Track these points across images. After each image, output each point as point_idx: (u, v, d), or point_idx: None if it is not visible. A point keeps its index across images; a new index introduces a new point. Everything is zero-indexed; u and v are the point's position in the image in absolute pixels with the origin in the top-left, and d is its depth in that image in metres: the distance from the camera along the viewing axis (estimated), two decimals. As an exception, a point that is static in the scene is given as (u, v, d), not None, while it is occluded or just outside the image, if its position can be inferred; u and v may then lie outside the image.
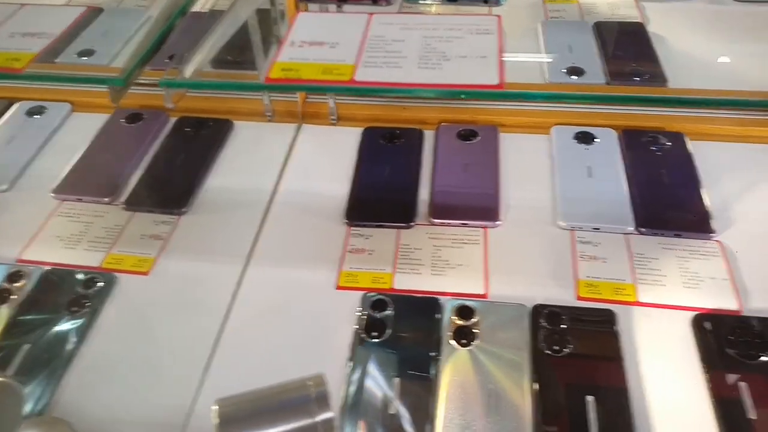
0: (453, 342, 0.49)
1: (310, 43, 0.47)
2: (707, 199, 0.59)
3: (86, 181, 0.66)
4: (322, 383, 0.36)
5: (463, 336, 0.49)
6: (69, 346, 0.51)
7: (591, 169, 0.63)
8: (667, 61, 0.73)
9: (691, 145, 0.65)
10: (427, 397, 0.46)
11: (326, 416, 0.35)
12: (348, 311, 0.52)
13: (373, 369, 0.48)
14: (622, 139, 0.66)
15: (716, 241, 0.56)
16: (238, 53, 0.67)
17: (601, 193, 0.61)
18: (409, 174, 0.64)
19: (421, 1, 0.78)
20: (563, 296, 0.52)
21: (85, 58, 0.81)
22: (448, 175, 0.64)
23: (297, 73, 0.43)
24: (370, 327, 0.51)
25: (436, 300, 0.52)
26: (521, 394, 0.46)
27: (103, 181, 0.66)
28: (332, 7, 0.69)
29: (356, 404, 0.46)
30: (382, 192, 0.63)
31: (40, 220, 0.62)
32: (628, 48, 0.78)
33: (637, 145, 0.65)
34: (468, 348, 0.49)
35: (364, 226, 0.60)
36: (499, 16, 0.47)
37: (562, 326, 0.49)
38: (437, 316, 0.51)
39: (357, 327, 0.51)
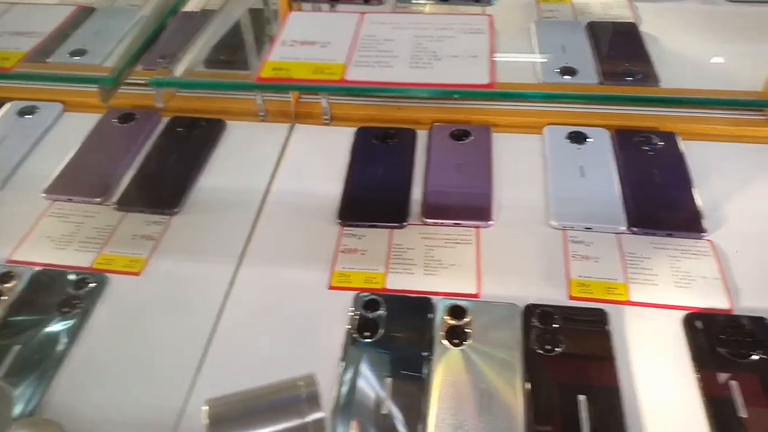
0: (445, 342, 0.49)
1: (301, 43, 0.47)
2: (699, 198, 0.59)
3: (78, 181, 0.66)
4: (312, 383, 0.36)
5: (456, 336, 0.49)
6: (60, 347, 0.51)
7: (583, 169, 0.63)
8: (659, 61, 0.74)
9: (684, 145, 0.65)
10: (420, 397, 0.46)
11: (317, 416, 0.35)
12: (340, 311, 0.52)
13: (365, 369, 0.48)
14: (614, 139, 0.66)
15: (707, 240, 0.56)
16: (229, 53, 0.66)
17: (593, 192, 0.61)
18: (401, 174, 0.64)
19: (414, 1, 0.78)
20: (555, 296, 0.53)
21: (78, 57, 0.81)
22: (440, 175, 0.64)
23: (288, 72, 0.43)
24: (362, 327, 0.50)
25: (428, 300, 0.52)
26: (513, 394, 0.46)
27: (95, 181, 0.65)
28: (325, 6, 0.69)
29: (348, 404, 0.46)
30: (375, 192, 0.63)
31: (31, 220, 0.62)
32: (620, 48, 0.78)
33: (629, 144, 0.65)
34: (460, 348, 0.49)
35: (357, 226, 0.60)
36: (490, 16, 0.47)
37: (554, 326, 0.49)
38: (429, 315, 0.51)
39: (349, 327, 0.51)
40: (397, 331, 0.50)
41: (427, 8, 0.77)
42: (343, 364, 0.48)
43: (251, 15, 0.66)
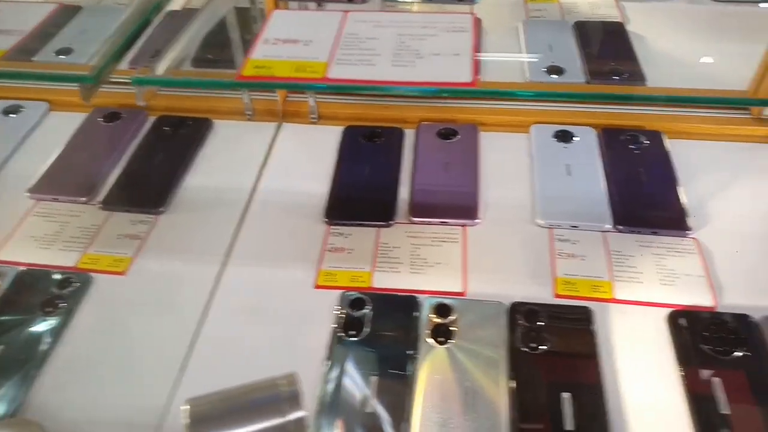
0: (430, 340, 0.49)
1: (284, 41, 0.46)
2: (684, 196, 0.60)
3: (63, 181, 0.65)
4: (293, 382, 0.36)
5: (441, 334, 0.49)
6: (43, 347, 0.50)
7: (570, 168, 0.63)
8: (645, 61, 0.74)
9: (669, 144, 0.66)
10: (405, 395, 0.46)
11: (297, 415, 0.35)
12: (326, 310, 0.52)
13: (350, 367, 0.48)
14: (601, 137, 0.66)
15: (692, 238, 0.56)
16: (214, 51, 0.66)
17: (579, 191, 0.61)
18: (388, 173, 0.64)
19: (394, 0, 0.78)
20: (541, 294, 0.53)
21: (63, 56, 0.80)
22: (427, 174, 0.64)
23: (270, 70, 0.43)
24: (348, 326, 0.50)
25: (413, 298, 0.52)
26: (498, 392, 0.46)
27: (80, 181, 0.65)
28: (312, 5, 0.69)
29: (333, 403, 0.46)
30: (362, 191, 0.63)
31: (14, 220, 0.61)
32: (607, 47, 0.78)
33: (615, 143, 0.65)
34: (445, 346, 0.49)
35: (344, 224, 0.60)
36: (473, 15, 0.47)
37: (539, 324, 0.49)
38: (415, 314, 0.51)
39: (335, 326, 0.51)
40: (383, 330, 0.50)
41: (412, 7, 0.77)
42: (329, 362, 0.48)
43: (237, 13, 0.66)
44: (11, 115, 0.75)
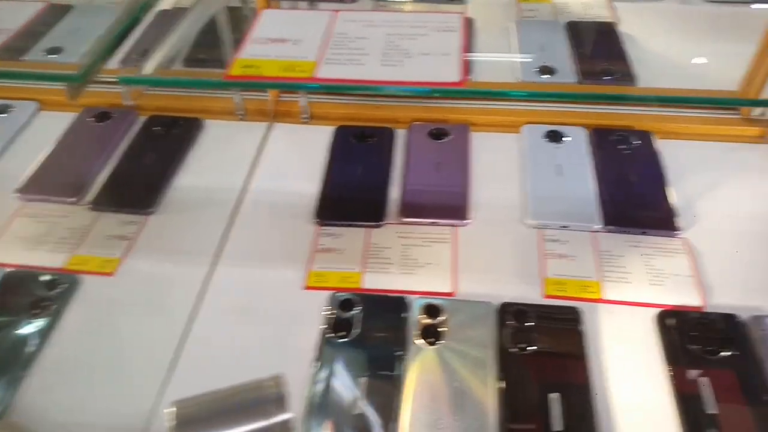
0: (420, 340, 0.49)
1: (273, 40, 0.46)
2: (673, 197, 0.60)
3: (52, 181, 0.65)
4: (279, 384, 0.36)
5: (430, 334, 0.49)
6: (30, 349, 0.50)
7: (561, 168, 0.63)
8: (637, 61, 0.74)
9: (660, 144, 0.66)
10: (394, 396, 0.46)
11: (284, 417, 0.35)
12: (316, 311, 0.52)
13: (339, 368, 0.48)
14: (591, 137, 0.67)
15: (681, 238, 0.56)
16: (203, 50, 0.66)
17: (569, 191, 0.61)
18: (379, 173, 0.64)
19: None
20: (531, 294, 0.53)
21: (53, 55, 0.80)
22: (418, 174, 0.63)
23: (258, 69, 0.43)
24: (337, 326, 0.50)
25: (403, 299, 0.52)
26: (487, 392, 0.46)
27: (69, 181, 0.65)
28: (303, 4, 0.69)
29: (322, 404, 0.46)
30: (353, 191, 0.63)
31: (2, 220, 0.61)
32: (599, 47, 0.78)
33: (606, 143, 0.66)
34: (435, 346, 0.49)
35: (334, 225, 0.59)
36: (462, 14, 0.47)
37: (527, 324, 0.49)
38: (404, 314, 0.51)
39: (324, 327, 0.50)
40: (372, 331, 0.50)
41: (404, 6, 0.77)
42: (318, 363, 0.48)
43: (228, 13, 0.66)
44: (1, 115, 0.74)
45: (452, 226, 0.59)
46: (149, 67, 0.45)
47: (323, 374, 0.47)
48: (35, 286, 0.54)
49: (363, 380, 0.47)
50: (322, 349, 0.49)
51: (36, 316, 0.52)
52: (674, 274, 0.53)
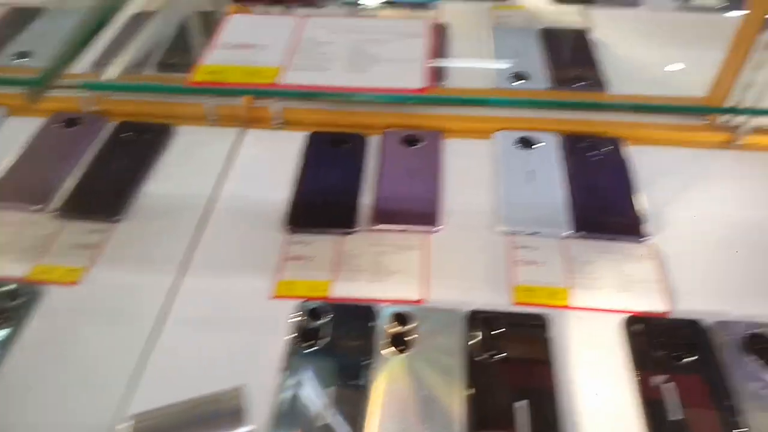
0: (388, 349, 0.49)
1: (239, 46, 0.46)
2: (642, 202, 0.60)
3: (16, 188, 0.63)
4: (239, 396, 0.35)
5: (399, 343, 0.49)
6: (-10, 362, 0.49)
7: (533, 174, 0.64)
8: (608, 67, 0.75)
9: (630, 150, 0.66)
10: (361, 406, 0.45)
11: (243, 430, 0.34)
12: (284, 320, 0.51)
13: (307, 378, 0.47)
14: (563, 144, 0.67)
15: (649, 244, 0.57)
16: (171, 55, 0.65)
17: (541, 197, 0.61)
18: (352, 179, 0.64)
19: (360, 5, 0.78)
20: (500, 301, 0.53)
21: (23, 59, 0.78)
22: (391, 181, 0.63)
23: (221, 75, 0.42)
24: (305, 336, 0.50)
25: (371, 307, 0.52)
26: (455, 400, 0.46)
27: (35, 188, 0.63)
28: (275, 9, 0.68)
29: (288, 414, 0.45)
30: (325, 197, 0.62)
31: (-36, 229, 0.59)
32: (572, 54, 0.79)
33: (577, 150, 0.66)
34: (403, 355, 0.48)
35: (305, 232, 0.59)
36: (429, 20, 0.47)
37: (496, 332, 0.49)
38: (372, 323, 0.50)
39: (292, 336, 0.50)
40: (340, 340, 0.49)
41: (376, 12, 0.77)
42: (285, 373, 0.48)
43: (199, 18, 0.65)
44: (-35, 121, 0.73)
45: (424, 232, 0.59)
46: (111, 72, 0.44)
47: (290, 384, 0.47)
48: (-4, 296, 0.53)
49: (330, 390, 0.46)
50: (290, 359, 0.48)
51: (-4, 327, 0.51)
52: (642, 279, 0.54)
